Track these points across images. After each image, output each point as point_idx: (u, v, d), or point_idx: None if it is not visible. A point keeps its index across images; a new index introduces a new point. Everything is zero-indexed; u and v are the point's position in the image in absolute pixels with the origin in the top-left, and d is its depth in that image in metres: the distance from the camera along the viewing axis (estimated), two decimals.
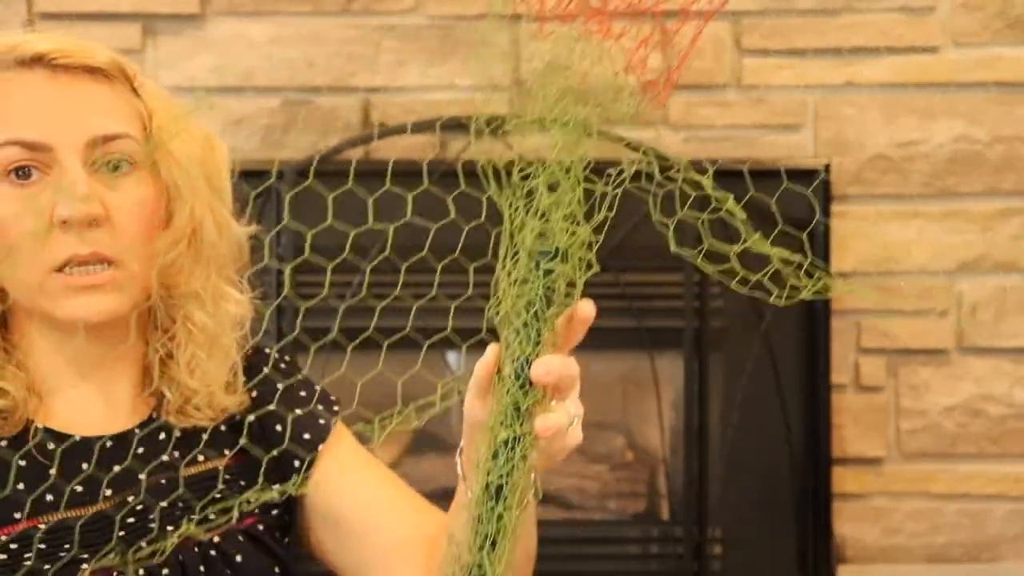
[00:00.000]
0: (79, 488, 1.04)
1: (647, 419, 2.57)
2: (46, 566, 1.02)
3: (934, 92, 2.55)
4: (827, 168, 2.47)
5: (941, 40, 2.54)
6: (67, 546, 1.02)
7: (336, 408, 1.19)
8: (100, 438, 1.08)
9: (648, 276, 2.41)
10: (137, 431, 1.09)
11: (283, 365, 1.20)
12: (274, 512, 1.14)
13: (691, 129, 2.53)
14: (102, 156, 1.05)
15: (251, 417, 1.12)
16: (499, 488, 0.81)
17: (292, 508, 1.17)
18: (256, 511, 1.12)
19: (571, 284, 0.85)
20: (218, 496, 1.09)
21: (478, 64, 2.38)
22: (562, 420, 0.86)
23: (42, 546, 1.02)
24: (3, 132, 1.04)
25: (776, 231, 0.94)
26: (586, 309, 0.88)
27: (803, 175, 2.45)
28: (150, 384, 1.11)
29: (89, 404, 1.09)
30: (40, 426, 1.07)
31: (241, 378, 1.13)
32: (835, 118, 2.54)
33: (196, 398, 1.10)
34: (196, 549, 1.08)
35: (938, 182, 2.56)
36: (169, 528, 1.07)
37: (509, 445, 0.82)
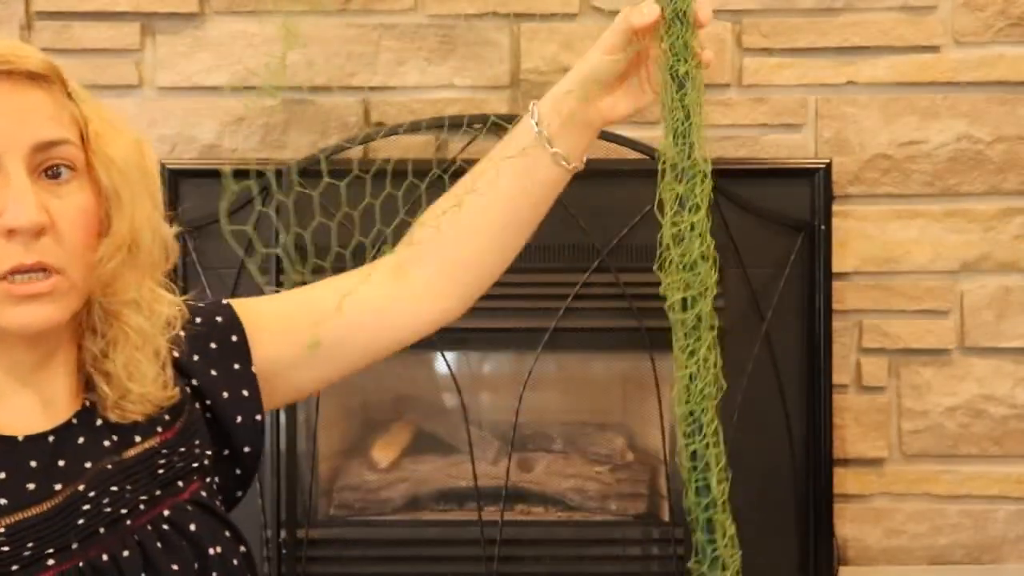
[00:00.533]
0: (31, 486, 1.05)
1: (647, 419, 2.57)
2: (14, 567, 1.03)
3: (935, 91, 2.54)
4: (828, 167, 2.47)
5: (942, 39, 2.54)
6: (30, 545, 1.04)
7: (228, 304, 1.23)
8: (42, 434, 1.09)
9: (648, 276, 2.37)
10: (75, 421, 1.10)
11: (198, 320, 1.22)
12: (208, 479, 1.17)
13: None
14: (45, 162, 1.05)
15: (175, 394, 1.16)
16: (683, 80, 1.12)
17: (232, 465, 1.20)
18: (195, 478, 1.14)
19: None
20: (161, 472, 1.12)
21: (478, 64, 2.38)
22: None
23: (5, 549, 1.03)
24: None
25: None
26: None
27: (803, 175, 2.45)
28: (85, 382, 1.13)
29: (29, 407, 1.10)
30: None
31: (171, 373, 1.15)
32: (836, 117, 2.54)
33: (131, 395, 1.12)
34: (150, 527, 1.10)
35: (939, 182, 2.56)
36: (123, 512, 1.08)
37: (691, 75, 1.12)
